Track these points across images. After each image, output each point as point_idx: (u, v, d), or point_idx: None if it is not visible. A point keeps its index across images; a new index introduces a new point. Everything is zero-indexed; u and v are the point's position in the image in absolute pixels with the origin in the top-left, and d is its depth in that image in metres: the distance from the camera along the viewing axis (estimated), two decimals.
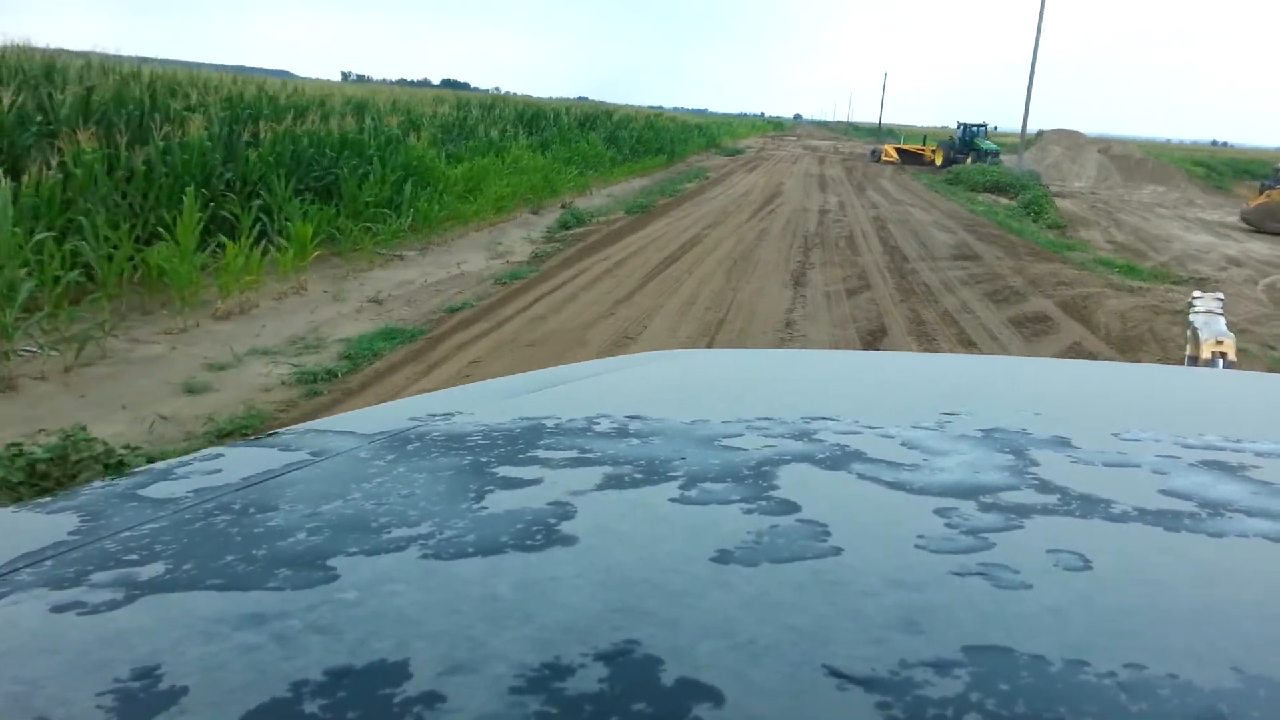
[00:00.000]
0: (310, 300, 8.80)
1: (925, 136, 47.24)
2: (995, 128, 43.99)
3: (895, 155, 40.60)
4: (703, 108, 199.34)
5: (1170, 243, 20.31)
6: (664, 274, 11.04)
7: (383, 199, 11.64)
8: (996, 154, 37.38)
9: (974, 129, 39.56)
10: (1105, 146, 47.90)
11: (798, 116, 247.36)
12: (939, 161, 38.81)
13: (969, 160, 36.37)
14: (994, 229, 18.97)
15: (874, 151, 43.52)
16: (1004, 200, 27.98)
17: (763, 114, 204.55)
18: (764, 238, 14.87)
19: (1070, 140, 51.07)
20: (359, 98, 18.23)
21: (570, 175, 19.01)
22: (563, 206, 17.48)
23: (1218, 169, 47.88)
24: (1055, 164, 42.59)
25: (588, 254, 12.31)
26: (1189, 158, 52.49)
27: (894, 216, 19.50)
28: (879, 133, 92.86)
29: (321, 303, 8.74)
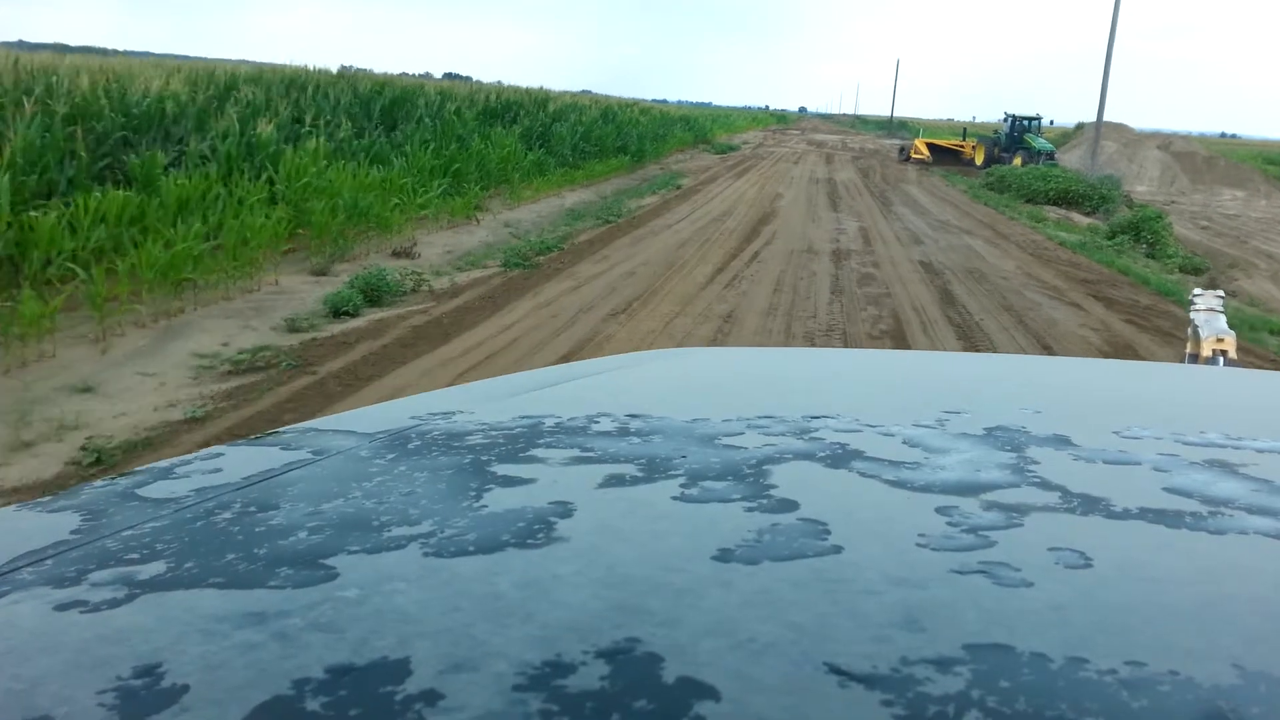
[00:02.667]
0: None
1: (965, 129, 39.63)
2: (1051, 121, 36.63)
3: (927, 152, 33.24)
4: (707, 101, 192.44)
5: None
6: None
7: None
8: (1051, 154, 30.03)
9: (1025, 122, 32.13)
10: (1165, 142, 40.64)
11: (802, 109, 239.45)
12: (979, 160, 31.48)
13: (1017, 160, 29.05)
14: (1108, 277, 11.76)
15: (902, 149, 36.14)
16: (1080, 218, 20.74)
17: (767, 107, 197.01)
18: (728, 337, 7.70)
19: (1121, 135, 43.77)
20: None
21: (433, 195, 11.73)
22: (396, 254, 10.26)
23: None
24: (1110, 163, 35.29)
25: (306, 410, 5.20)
26: (1257, 154, 45.25)
27: (953, 262, 12.26)
28: (890, 125, 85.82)
29: None
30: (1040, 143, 30.56)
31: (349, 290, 8.07)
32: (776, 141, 49.80)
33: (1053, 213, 21.09)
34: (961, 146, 33.87)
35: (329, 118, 12.16)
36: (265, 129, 9.91)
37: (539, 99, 21.85)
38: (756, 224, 14.74)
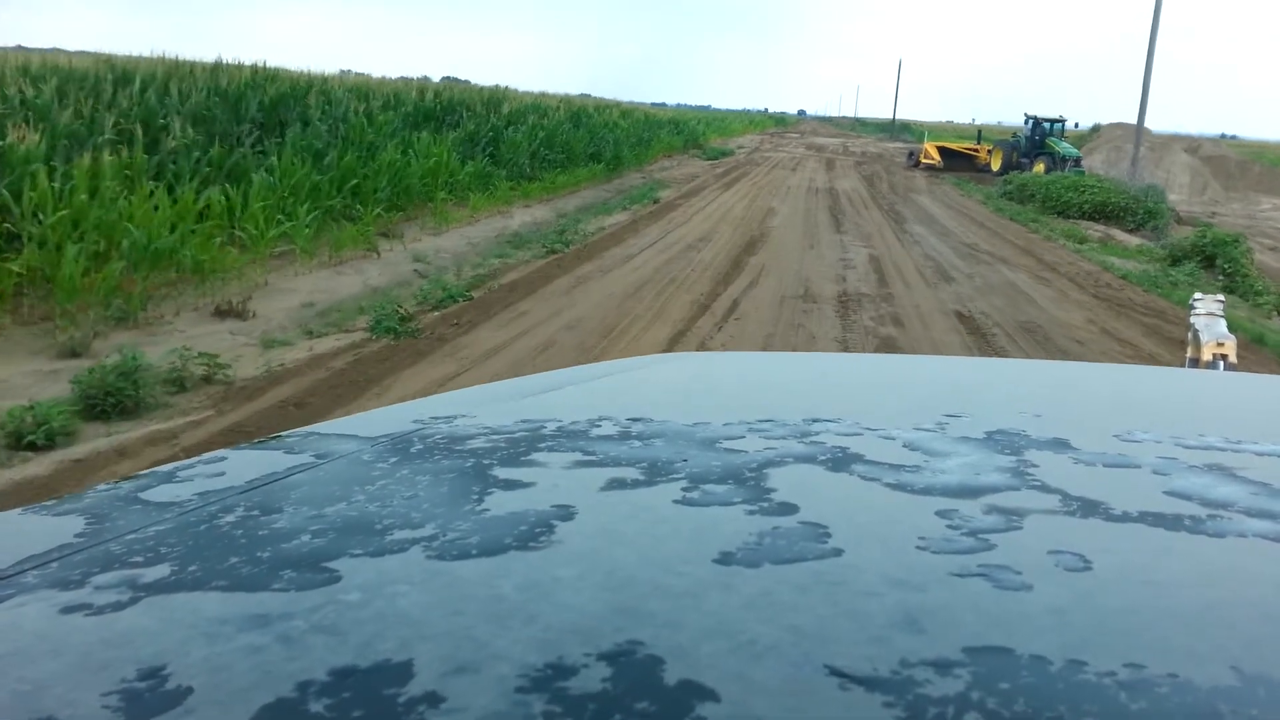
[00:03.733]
0: None
1: (979, 132, 36.45)
2: (1076, 125, 33.55)
3: (938, 157, 30.13)
4: (706, 104, 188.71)
5: None
6: None
7: None
8: (1078, 160, 26.99)
9: (1047, 125, 29.02)
10: (1193, 145, 37.57)
11: (801, 112, 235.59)
12: (996, 166, 28.42)
13: (1039, 167, 26.02)
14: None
15: (910, 154, 32.98)
16: (1124, 236, 17.73)
17: (766, 110, 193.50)
18: None
19: (1144, 139, 40.85)
20: None
21: (300, 223, 8.70)
22: (221, 313, 7.23)
23: None
24: (1140, 167, 32.31)
25: None
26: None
27: (999, 311, 9.23)
28: (892, 128, 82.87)
29: None
30: (1065, 147, 27.49)
31: (73, 393, 5.05)
32: (773, 146, 46.75)
33: (1091, 229, 18.10)
34: (975, 150, 30.79)
35: (162, 121, 9.10)
36: (26, 140, 6.84)
37: (491, 99, 18.76)
38: (740, 254, 11.73)
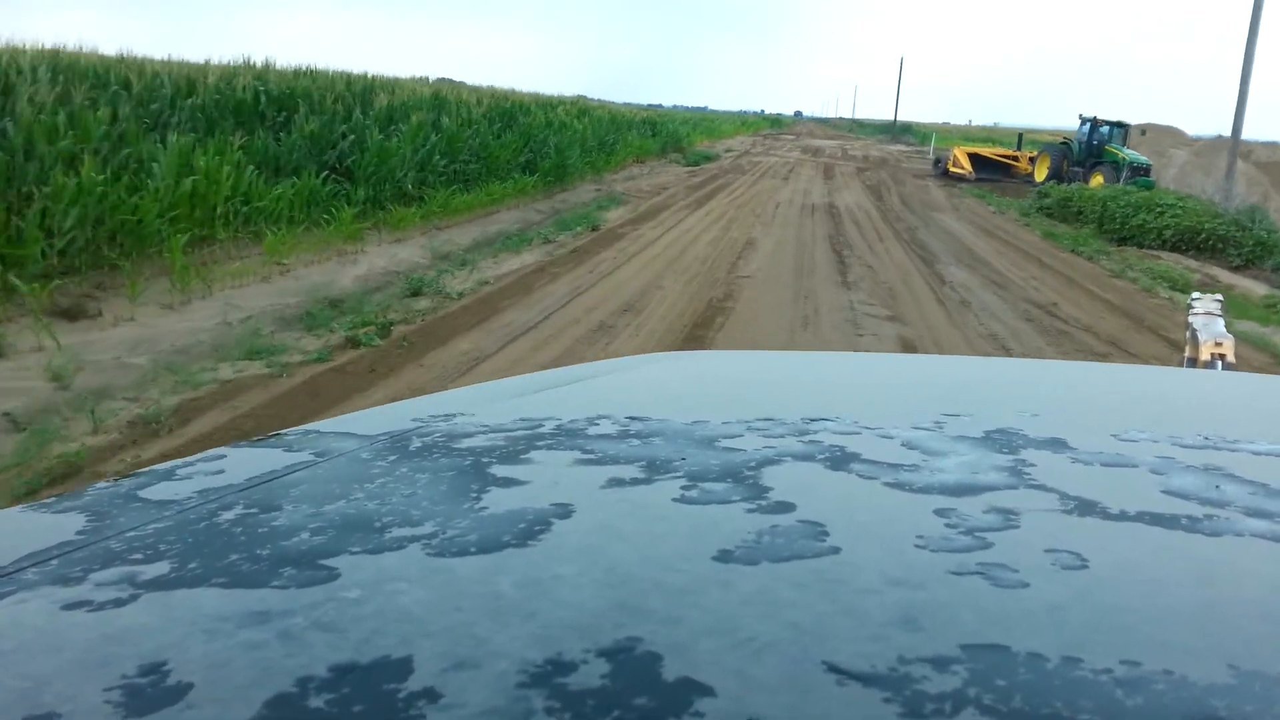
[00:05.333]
0: None
1: (1020, 136, 31.12)
2: (1144, 132, 28.70)
3: (969, 166, 25.07)
4: (703, 105, 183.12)
5: None
6: None
7: None
8: (1147, 170, 22.16)
9: (1106, 128, 24.01)
10: (1245, 150, 32.82)
11: (798, 113, 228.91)
12: (1040, 176, 23.59)
13: (1097, 179, 21.22)
14: None
15: (937, 162, 27.77)
16: (1229, 277, 12.93)
17: (762, 111, 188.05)
18: None
19: (1177, 141, 36.15)
20: None
21: None
22: None
23: None
24: (1182, 177, 27.50)
25: None
26: None
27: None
28: (893, 129, 78.21)
29: None
30: (1131, 155, 22.60)
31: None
32: (765, 149, 41.94)
33: (1179, 265, 13.35)
34: (1014, 158, 25.86)
35: None
36: None
37: (360, 88, 13.19)
38: (683, 342, 6.95)
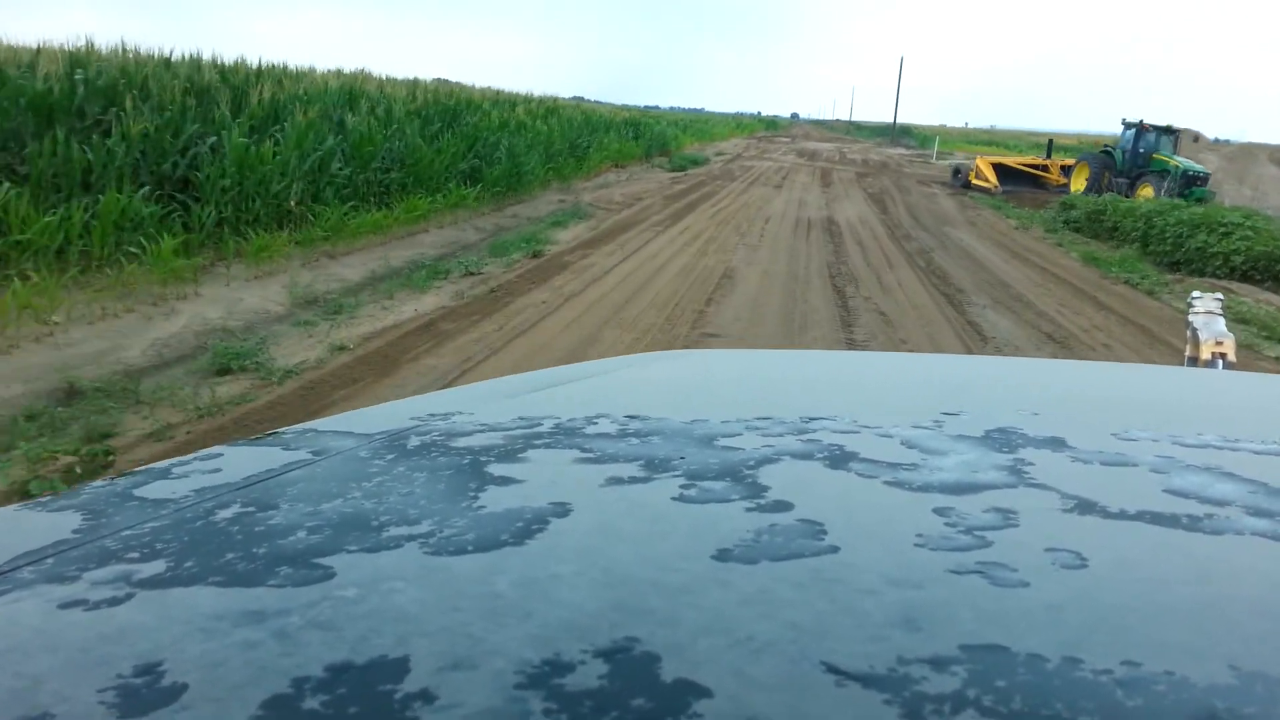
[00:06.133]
0: None
1: (1050, 142, 28.24)
2: (1196, 138, 26.11)
3: (993, 178, 22.21)
4: (700, 107, 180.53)
5: None
6: None
7: None
8: (1205, 180, 19.61)
9: (1153, 135, 21.31)
10: (1278, 155, 30.25)
11: (794, 115, 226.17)
12: (1078, 187, 20.98)
13: (1145, 190, 18.69)
14: None
15: (957, 172, 24.59)
16: None
17: (759, 113, 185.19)
18: None
19: (1200, 146, 33.64)
20: None
21: None
22: None
23: None
24: (1213, 183, 25.07)
25: None
26: None
27: None
28: (893, 131, 75.71)
29: None
30: (1186, 164, 20.02)
31: None
32: (759, 152, 39.36)
33: (1260, 298, 10.81)
34: (1044, 167, 23.16)
35: None
36: None
37: (239, 79, 10.28)
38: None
